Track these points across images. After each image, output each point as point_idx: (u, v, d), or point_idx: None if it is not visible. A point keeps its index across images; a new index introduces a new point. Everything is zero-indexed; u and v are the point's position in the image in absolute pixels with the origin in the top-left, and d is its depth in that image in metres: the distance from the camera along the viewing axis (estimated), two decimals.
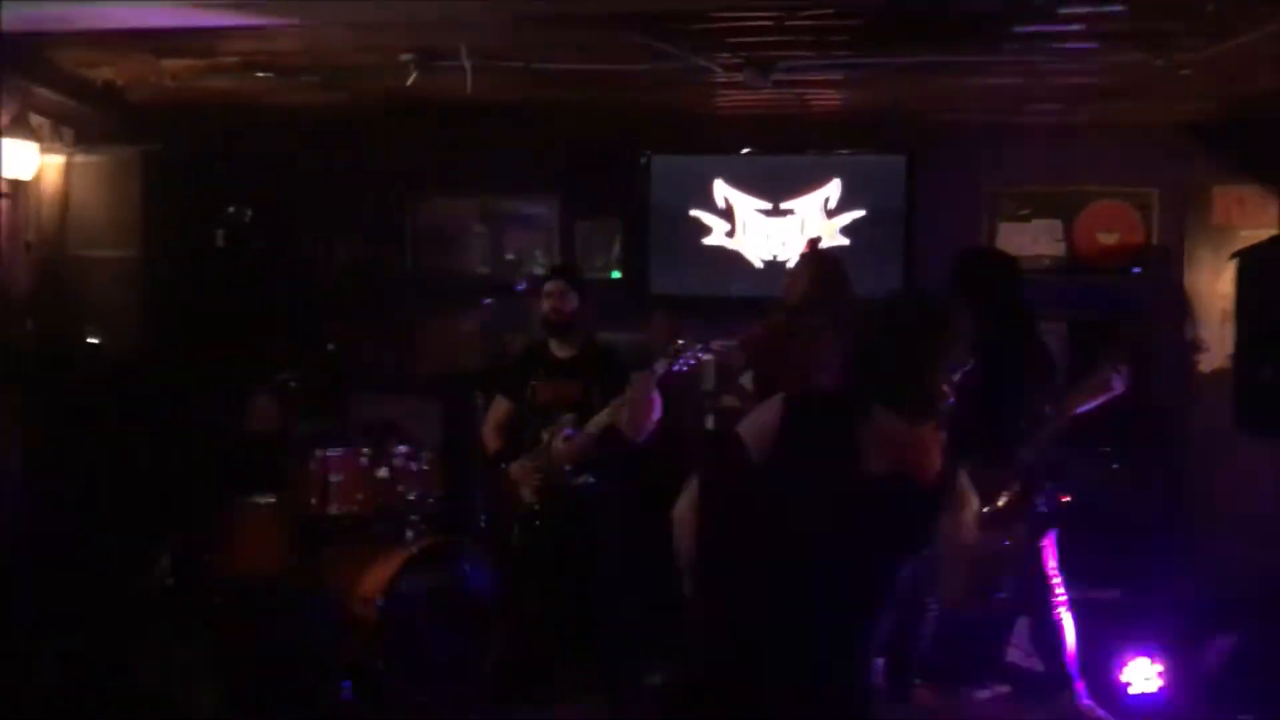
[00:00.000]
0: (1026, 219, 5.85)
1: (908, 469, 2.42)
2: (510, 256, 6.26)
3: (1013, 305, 4.13)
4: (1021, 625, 4.62)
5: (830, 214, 5.90)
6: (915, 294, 3.02)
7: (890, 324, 2.48)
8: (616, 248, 6.22)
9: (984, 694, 4.56)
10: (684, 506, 2.71)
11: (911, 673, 4.30)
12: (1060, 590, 4.20)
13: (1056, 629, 4.21)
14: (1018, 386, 3.99)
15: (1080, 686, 4.25)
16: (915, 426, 2.42)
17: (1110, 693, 4.32)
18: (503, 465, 4.56)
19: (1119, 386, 3.93)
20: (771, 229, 5.97)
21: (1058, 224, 5.84)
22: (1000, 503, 3.85)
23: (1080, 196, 5.82)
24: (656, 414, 4.32)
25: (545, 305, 4.56)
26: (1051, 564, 4.20)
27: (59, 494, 4.86)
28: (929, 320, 2.44)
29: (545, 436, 4.51)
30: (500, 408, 4.73)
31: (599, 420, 4.35)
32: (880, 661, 4.07)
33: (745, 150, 5.99)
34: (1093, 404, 3.99)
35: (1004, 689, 4.59)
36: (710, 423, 3.08)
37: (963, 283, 4.15)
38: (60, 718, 4.12)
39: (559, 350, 4.60)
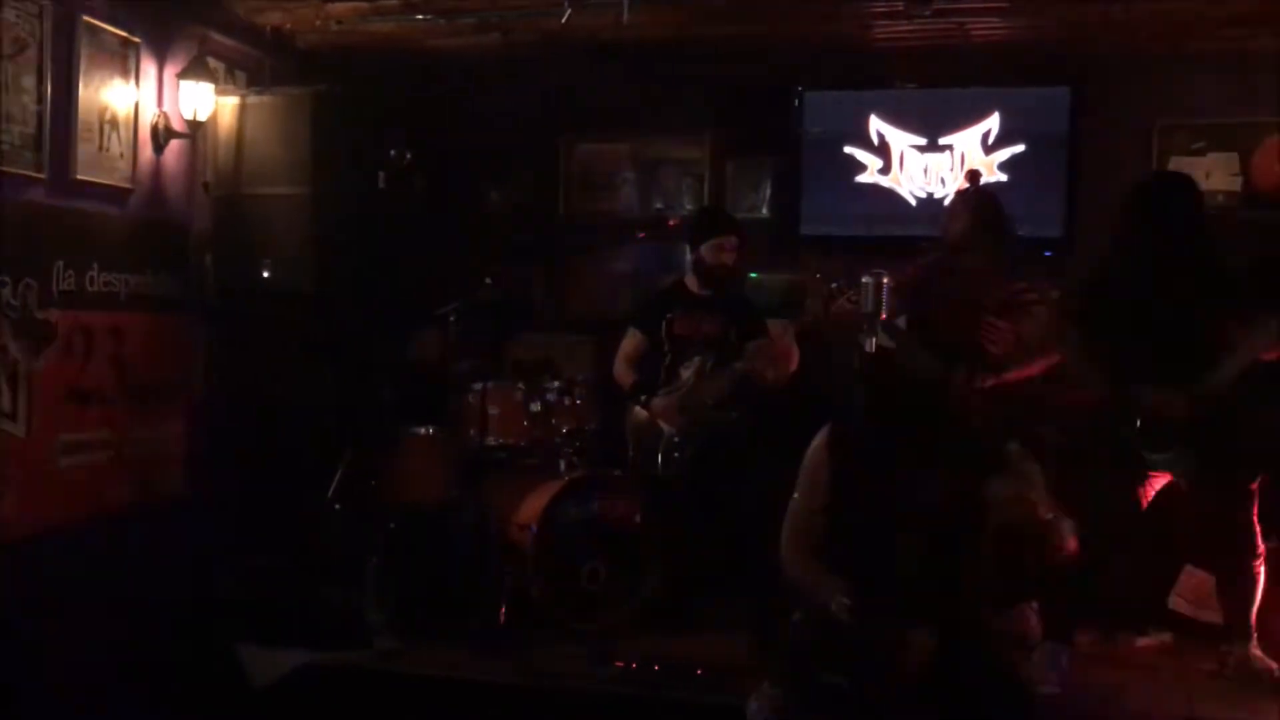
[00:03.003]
0: (1200, 153, 5.55)
1: None
2: (659, 206, 6.27)
3: (1193, 229, 3.94)
4: (1186, 574, 4.46)
5: (989, 149, 5.73)
6: None
7: None
8: (767, 187, 6.17)
9: (1146, 641, 4.43)
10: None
11: (1071, 617, 4.20)
12: (1260, 542, 3.92)
13: (1251, 582, 3.94)
14: (1197, 313, 3.81)
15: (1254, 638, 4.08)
16: None
17: None
18: (642, 398, 4.63)
19: None
20: (928, 165, 5.85)
21: (1234, 157, 5.52)
22: None
23: (1259, 129, 5.47)
24: (791, 365, 4.38)
25: (715, 257, 4.62)
26: (1255, 511, 3.92)
27: (238, 420, 5.15)
28: None
29: (684, 372, 4.57)
30: (632, 341, 4.80)
31: (741, 362, 4.42)
32: (1036, 605, 4.00)
33: (902, 84, 5.86)
34: None
35: (1166, 637, 4.44)
36: (871, 345, 3.09)
37: (1141, 208, 3.98)
38: (243, 631, 4.36)
39: (698, 288, 4.66)
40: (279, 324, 5.19)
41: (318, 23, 5.25)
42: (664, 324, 4.71)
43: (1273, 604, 4.05)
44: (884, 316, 3.52)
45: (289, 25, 5.33)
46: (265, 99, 4.94)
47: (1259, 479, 3.92)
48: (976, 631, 2.93)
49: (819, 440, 3.14)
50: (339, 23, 5.22)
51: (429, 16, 5.10)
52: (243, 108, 4.92)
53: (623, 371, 4.80)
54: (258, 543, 4.87)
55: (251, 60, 5.46)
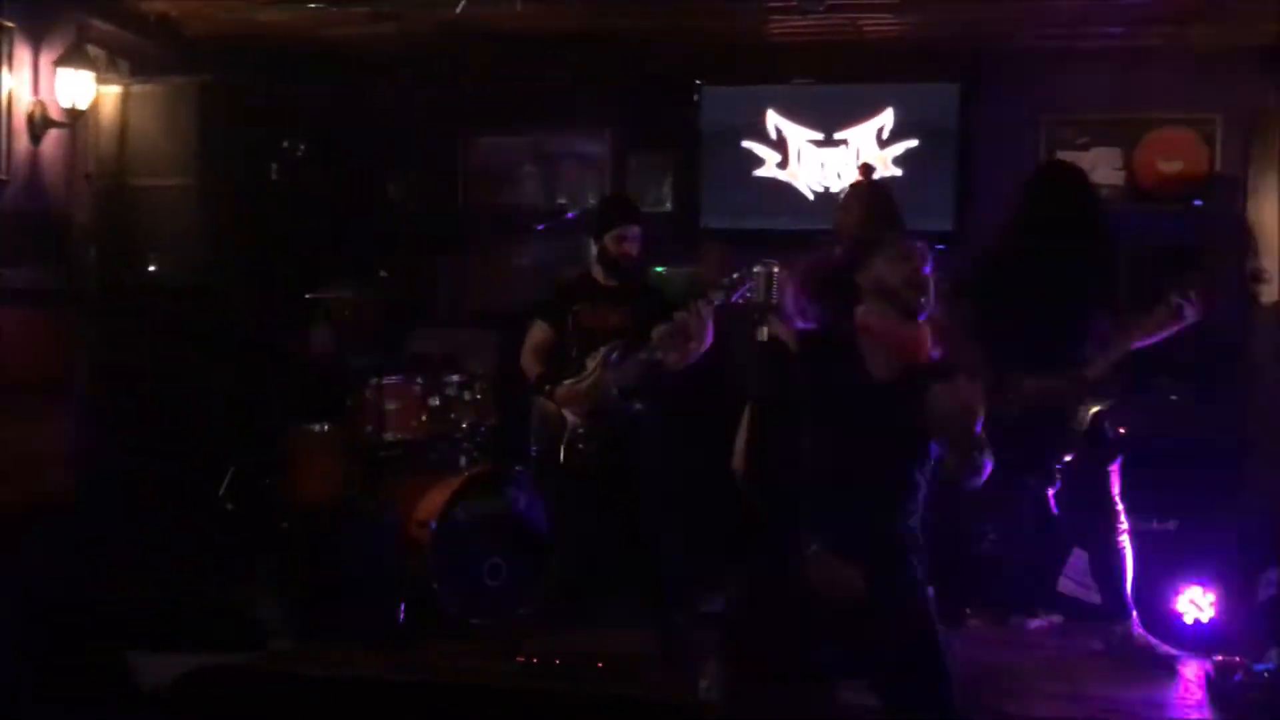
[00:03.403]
0: (1085, 147, 5.70)
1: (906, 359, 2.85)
2: (562, 201, 6.24)
3: (1083, 220, 4.08)
4: (1075, 557, 4.60)
5: (883, 144, 5.82)
6: None
7: None
8: (669, 181, 6.19)
9: (1036, 624, 4.55)
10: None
11: (963, 601, 4.30)
12: (1123, 518, 4.13)
13: (1118, 557, 4.12)
14: (1083, 302, 3.96)
15: (1135, 617, 4.23)
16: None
17: (1163, 623, 4.29)
18: (546, 388, 4.61)
19: (1190, 315, 3.86)
20: (824, 159, 5.92)
21: (1117, 152, 5.68)
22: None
23: (1141, 124, 5.66)
24: (705, 344, 4.36)
25: (618, 247, 4.59)
26: (1116, 491, 4.12)
27: (125, 417, 5.00)
28: None
29: (590, 363, 4.55)
30: (539, 333, 4.76)
31: (649, 349, 4.40)
32: (930, 590, 4.07)
33: (798, 80, 5.92)
34: (1163, 333, 3.93)
35: (1056, 619, 4.57)
36: (764, 334, 3.13)
37: (1036, 197, 4.10)
38: (131, 635, 4.25)
39: (604, 278, 4.65)
40: (166, 318, 5.06)
41: (205, 11, 5.13)
42: (570, 316, 4.67)
43: (1149, 583, 4.21)
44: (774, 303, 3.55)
45: (174, 13, 5.19)
46: (150, 88, 4.85)
47: (1118, 460, 4.11)
48: (903, 570, 2.94)
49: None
50: (228, 11, 5.11)
51: (321, 5, 5.01)
52: (126, 97, 4.81)
53: (529, 363, 4.76)
54: (146, 544, 4.73)
55: (135, 48, 5.29)
